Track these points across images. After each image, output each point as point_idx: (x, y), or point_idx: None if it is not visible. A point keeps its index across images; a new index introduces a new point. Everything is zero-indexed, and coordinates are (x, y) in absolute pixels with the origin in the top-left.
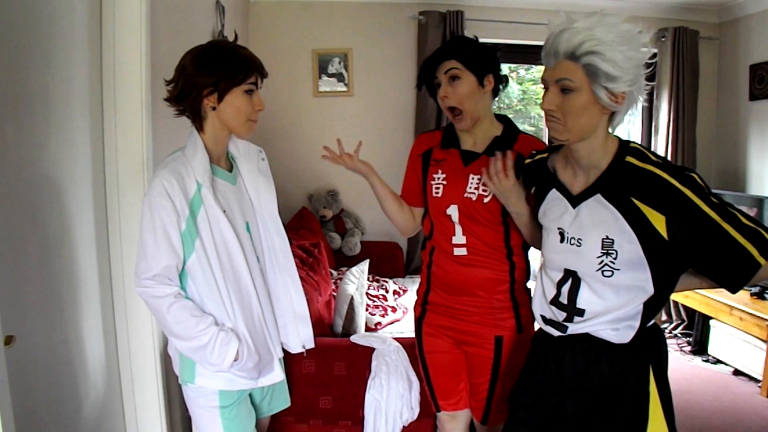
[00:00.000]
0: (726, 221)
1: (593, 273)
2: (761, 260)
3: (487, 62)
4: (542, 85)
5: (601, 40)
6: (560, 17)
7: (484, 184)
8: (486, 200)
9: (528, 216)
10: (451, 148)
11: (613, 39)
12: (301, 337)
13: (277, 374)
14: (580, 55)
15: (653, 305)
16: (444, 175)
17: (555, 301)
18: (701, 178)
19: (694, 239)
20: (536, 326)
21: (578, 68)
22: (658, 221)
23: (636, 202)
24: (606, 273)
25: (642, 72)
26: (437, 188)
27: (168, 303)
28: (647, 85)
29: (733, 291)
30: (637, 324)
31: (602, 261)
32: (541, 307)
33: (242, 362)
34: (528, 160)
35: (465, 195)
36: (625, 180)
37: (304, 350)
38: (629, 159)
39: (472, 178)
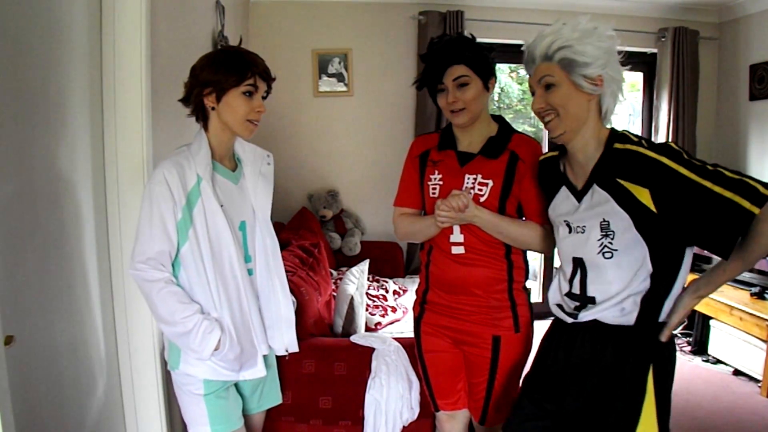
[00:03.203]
0: (708, 179)
1: (595, 256)
2: (754, 209)
3: (490, 66)
4: (530, 92)
5: (568, 38)
6: (533, 36)
7: (480, 184)
8: (482, 199)
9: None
10: (448, 149)
11: (578, 36)
12: (285, 340)
13: (259, 369)
14: (552, 54)
15: (660, 282)
16: (440, 176)
17: (569, 293)
18: (677, 144)
19: (681, 205)
20: (538, 324)
21: (554, 65)
22: (644, 195)
23: (621, 182)
24: (606, 255)
25: (613, 57)
26: (434, 189)
27: (158, 288)
28: (622, 66)
29: (725, 254)
30: (636, 307)
31: (602, 243)
32: (554, 298)
33: (223, 352)
34: (542, 157)
35: None
36: (612, 164)
37: (287, 353)
38: (616, 145)
39: (468, 178)
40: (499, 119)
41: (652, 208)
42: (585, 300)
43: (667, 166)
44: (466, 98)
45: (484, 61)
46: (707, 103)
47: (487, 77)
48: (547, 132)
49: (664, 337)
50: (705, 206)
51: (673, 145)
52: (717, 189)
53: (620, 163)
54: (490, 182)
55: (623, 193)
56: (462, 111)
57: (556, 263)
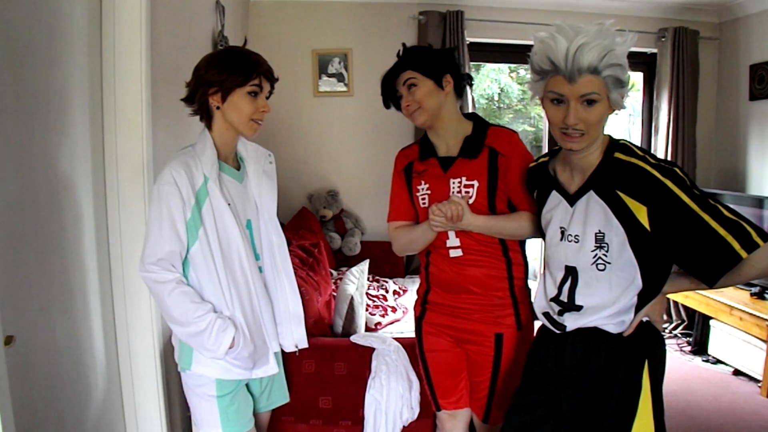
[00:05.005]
0: (706, 213)
1: (588, 267)
2: (742, 253)
3: (441, 64)
4: (555, 99)
5: (619, 54)
6: (563, 31)
7: (465, 186)
8: (470, 201)
9: (492, 220)
10: (429, 157)
11: (625, 50)
12: (294, 337)
13: (271, 367)
14: (602, 68)
15: (646, 298)
16: (427, 185)
17: (555, 299)
18: (682, 171)
19: (675, 230)
20: (536, 324)
21: (599, 80)
22: (641, 212)
23: (621, 194)
24: (599, 266)
25: None
26: (423, 199)
27: (169, 288)
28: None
29: (711, 284)
30: (629, 317)
31: (596, 254)
32: (540, 305)
33: (237, 350)
34: (532, 164)
35: None
36: (613, 174)
37: (296, 350)
38: (617, 155)
39: (453, 183)
40: (472, 117)
41: (647, 226)
42: (571, 308)
43: (670, 190)
44: (416, 98)
45: (428, 62)
46: (707, 103)
47: (438, 76)
48: (546, 132)
49: (625, 333)
50: (699, 237)
51: (678, 171)
52: (713, 224)
53: (622, 175)
54: (476, 183)
55: (621, 206)
56: (417, 111)
57: (542, 269)
